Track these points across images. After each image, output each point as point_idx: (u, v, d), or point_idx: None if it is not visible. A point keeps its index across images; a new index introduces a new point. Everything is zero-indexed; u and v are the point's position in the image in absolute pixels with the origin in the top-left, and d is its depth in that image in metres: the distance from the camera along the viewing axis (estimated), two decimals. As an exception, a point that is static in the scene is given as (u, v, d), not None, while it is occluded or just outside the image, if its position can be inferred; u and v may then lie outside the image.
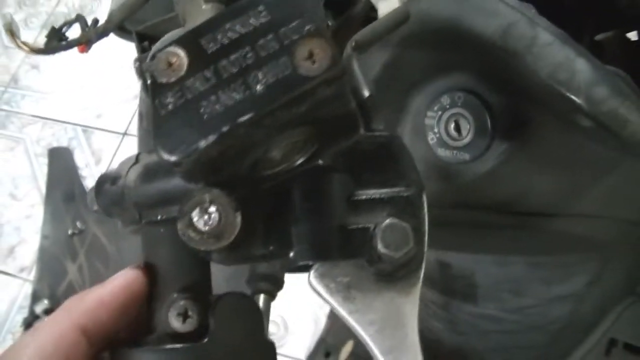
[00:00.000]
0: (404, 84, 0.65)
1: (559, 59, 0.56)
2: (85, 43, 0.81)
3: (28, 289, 2.29)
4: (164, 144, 0.29)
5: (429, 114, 0.65)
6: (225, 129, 0.28)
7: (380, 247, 0.33)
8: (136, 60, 0.37)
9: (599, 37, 0.91)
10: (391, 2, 0.47)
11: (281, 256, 0.34)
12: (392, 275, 0.35)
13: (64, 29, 0.86)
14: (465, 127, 0.64)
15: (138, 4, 0.71)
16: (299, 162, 0.33)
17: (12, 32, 0.83)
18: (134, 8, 0.72)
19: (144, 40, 0.71)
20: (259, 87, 0.28)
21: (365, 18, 0.59)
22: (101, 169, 2.43)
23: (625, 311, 0.98)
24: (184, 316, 0.33)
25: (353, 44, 0.40)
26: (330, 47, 0.28)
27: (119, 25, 0.77)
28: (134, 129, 2.51)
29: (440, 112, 0.65)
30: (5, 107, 2.74)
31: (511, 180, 0.67)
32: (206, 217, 0.30)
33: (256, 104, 0.28)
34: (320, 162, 0.34)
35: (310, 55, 0.28)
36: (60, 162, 2.54)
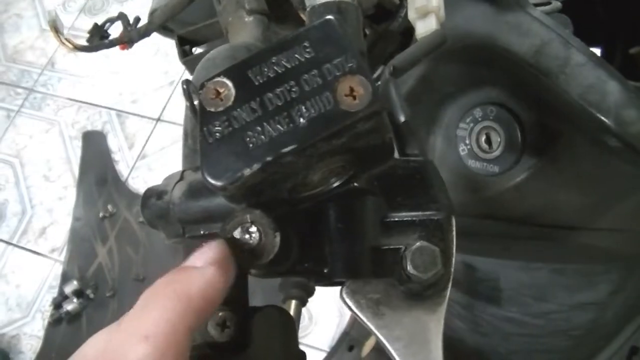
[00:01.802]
0: (437, 96, 0.67)
1: (591, 80, 0.57)
2: (127, 42, 0.83)
3: (58, 269, 2.32)
4: (210, 170, 0.31)
5: (461, 125, 0.66)
6: (269, 158, 0.30)
7: (409, 268, 0.35)
8: (184, 82, 0.39)
9: (632, 50, 0.91)
10: (429, 22, 0.48)
11: (316, 272, 0.36)
12: (420, 295, 0.36)
13: (106, 26, 0.88)
14: (496, 140, 0.65)
15: (180, 6, 0.73)
16: (335, 184, 0.35)
17: (56, 29, 0.84)
18: (176, 10, 0.74)
19: (186, 43, 0.73)
20: (302, 121, 0.30)
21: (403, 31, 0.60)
22: (134, 154, 2.47)
23: None
24: (222, 326, 0.35)
25: (391, 68, 0.41)
26: (370, 85, 0.30)
27: (161, 25, 0.78)
28: (167, 115, 2.53)
29: (472, 125, 0.66)
30: (41, 89, 2.78)
31: (538, 193, 0.68)
32: (247, 236, 0.32)
33: (299, 137, 0.30)
34: (356, 184, 0.36)
35: (351, 92, 0.30)
36: (94, 145, 2.57)
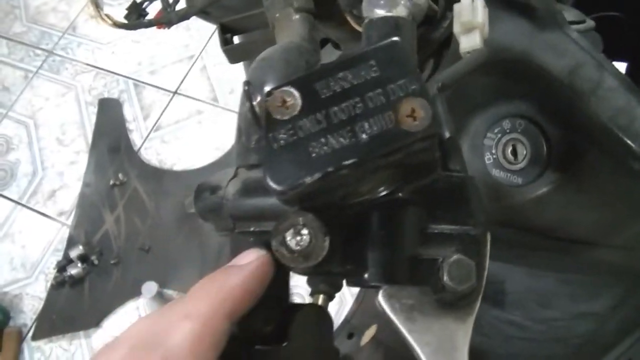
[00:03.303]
0: (467, 105, 0.69)
1: (621, 104, 0.59)
2: (165, 23, 0.84)
3: (64, 233, 2.35)
4: (273, 175, 0.33)
5: (489, 135, 0.68)
6: (330, 169, 0.32)
7: (445, 279, 0.36)
8: (245, 83, 0.40)
9: None
10: (473, 38, 0.50)
11: (356, 275, 0.38)
12: (451, 304, 0.38)
13: (144, 5, 0.89)
14: (522, 152, 0.67)
15: None
16: (381, 194, 0.37)
17: (96, 4, 0.85)
18: None
19: (227, 31, 0.74)
20: (364, 136, 0.32)
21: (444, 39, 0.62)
22: (148, 125, 2.50)
23: None
24: (266, 320, 0.37)
25: (439, 85, 0.43)
26: (430, 108, 0.32)
27: (202, 9, 0.80)
28: (184, 88, 2.55)
29: (499, 135, 0.68)
30: (61, 52, 2.80)
31: (558, 207, 0.70)
32: (298, 238, 0.34)
33: (360, 151, 0.32)
34: (400, 195, 0.37)
35: (412, 112, 0.32)
36: (110, 113, 2.59)
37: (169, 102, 2.57)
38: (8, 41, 2.92)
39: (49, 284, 2.26)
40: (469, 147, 0.70)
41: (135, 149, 2.49)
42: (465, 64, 0.47)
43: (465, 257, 0.37)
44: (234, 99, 2.48)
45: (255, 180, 0.40)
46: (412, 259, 0.38)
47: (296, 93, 0.34)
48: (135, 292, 2.10)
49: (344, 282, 0.42)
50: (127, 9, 0.88)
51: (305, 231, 0.34)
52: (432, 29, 0.57)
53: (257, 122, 0.40)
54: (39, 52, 2.84)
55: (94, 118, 2.60)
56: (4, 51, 2.89)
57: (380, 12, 0.42)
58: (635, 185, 0.64)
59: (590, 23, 0.75)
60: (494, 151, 0.68)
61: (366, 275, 0.38)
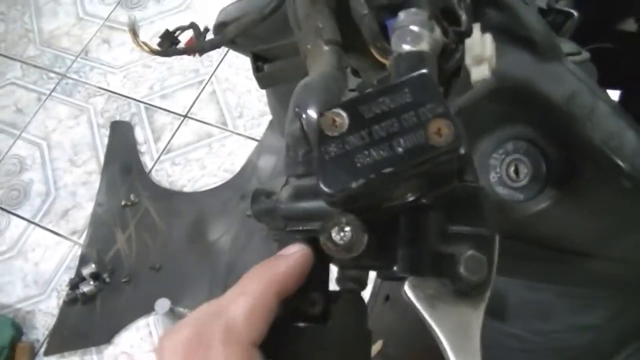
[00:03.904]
0: (475, 128, 0.75)
1: (613, 128, 0.66)
2: (198, 51, 0.91)
3: (77, 251, 2.42)
4: (325, 181, 0.40)
5: (494, 155, 0.75)
6: (372, 176, 0.39)
7: (462, 271, 0.43)
8: (294, 105, 0.48)
9: None
10: (483, 69, 0.57)
11: (386, 268, 0.45)
12: (466, 294, 0.45)
13: (176, 34, 0.95)
14: (524, 171, 0.73)
15: (253, 24, 0.81)
16: (409, 199, 0.44)
17: (134, 32, 0.92)
18: (249, 27, 0.81)
19: (258, 59, 0.81)
20: (400, 150, 0.39)
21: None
22: (159, 147, 2.57)
23: (637, 351, 1.06)
24: (312, 304, 0.44)
25: (456, 109, 0.50)
26: (454, 127, 0.39)
27: (232, 39, 0.87)
28: (194, 112, 2.63)
29: (503, 156, 0.74)
30: (74, 75, 2.89)
31: (557, 221, 0.76)
32: (342, 234, 0.41)
33: (397, 162, 0.39)
34: (424, 201, 0.45)
35: (439, 131, 0.39)
36: (121, 135, 2.66)
37: (180, 126, 2.64)
38: (22, 64, 3.01)
39: (61, 301, 2.33)
40: (476, 166, 0.77)
41: (147, 170, 2.55)
42: (476, 91, 0.55)
43: (478, 253, 0.44)
44: (243, 122, 2.56)
45: (304, 186, 0.47)
46: (433, 255, 0.45)
47: (344, 114, 0.41)
48: (146, 310, 2.16)
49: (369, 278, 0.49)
50: (160, 37, 0.94)
51: (347, 229, 0.41)
52: (445, 60, 0.64)
53: (305, 139, 0.47)
54: (52, 75, 2.93)
55: (106, 140, 2.67)
56: (18, 74, 2.98)
57: (407, 47, 0.50)
58: (625, 201, 0.70)
59: (585, 55, 0.82)
60: (498, 170, 0.75)
61: (395, 268, 0.45)
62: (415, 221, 0.45)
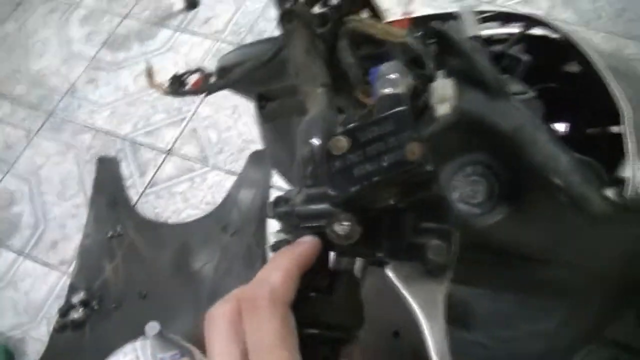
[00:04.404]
0: (441, 154, 0.88)
1: (550, 153, 0.79)
2: (205, 92, 1.05)
3: (66, 280, 2.51)
4: (332, 187, 0.55)
5: (456, 178, 0.88)
6: (366, 183, 0.54)
7: (430, 256, 0.58)
8: (301, 134, 0.63)
9: (589, 130, 1.14)
10: (445, 107, 0.73)
11: (373, 255, 0.60)
12: (433, 273, 0.60)
13: (184, 77, 1.09)
14: (480, 191, 0.86)
15: (254, 70, 0.95)
16: (391, 202, 0.59)
17: (150, 74, 1.05)
18: (250, 72, 0.96)
19: (262, 99, 0.96)
20: (385, 164, 0.54)
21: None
22: (144, 182, 2.69)
23: (589, 354, 1.17)
24: (322, 280, 0.59)
25: (425, 138, 0.66)
26: (424, 148, 0.54)
27: (235, 83, 1.00)
28: (177, 148, 2.75)
29: (464, 178, 0.87)
30: (61, 113, 3.00)
31: (509, 231, 0.89)
32: (342, 226, 0.56)
33: (383, 172, 0.54)
34: (402, 205, 0.60)
35: (413, 151, 0.54)
36: (107, 170, 2.77)
37: (163, 161, 2.75)
38: (11, 102, 3.10)
39: (51, 328, 2.40)
40: (442, 185, 0.92)
41: (132, 203, 2.65)
42: (440, 124, 0.70)
43: (441, 242, 0.59)
44: (223, 158, 2.68)
45: (313, 194, 0.61)
46: (408, 245, 0.60)
47: (345, 139, 0.56)
48: (134, 334, 2.23)
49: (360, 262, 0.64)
50: (169, 80, 1.07)
51: (346, 223, 0.56)
52: (417, 99, 0.80)
53: (312, 159, 0.63)
54: (40, 112, 3.03)
55: (92, 175, 2.77)
56: (6, 111, 3.08)
57: (388, 91, 0.65)
58: (564, 213, 0.82)
59: (531, 94, 0.95)
60: (459, 190, 0.87)
61: (380, 255, 0.60)
62: (395, 220, 0.60)
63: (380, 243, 0.60)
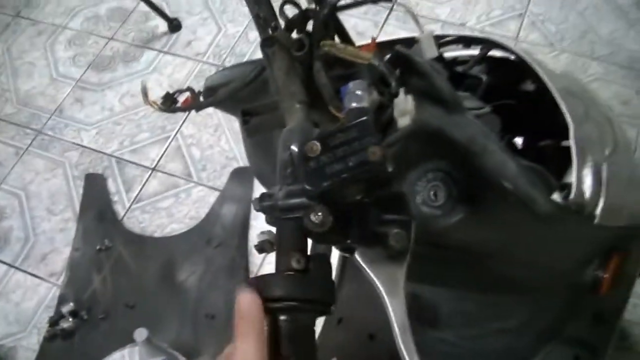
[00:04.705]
0: (405, 162, 0.97)
1: (499, 160, 0.89)
2: (194, 109, 1.15)
3: (56, 292, 2.59)
4: (308, 183, 0.66)
5: (419, 183, 0.97)
6: (336, 179, 0.65)
7: (391, 242, 0.70)
8: (284, 141, 0.75)
9: (541, 143, 1.25)
10: (405, 119, 0.84)
11: (344, 241, 0.72)
12: (394, 257, 0.72)
13: (175, 95, 1.19)
14: (440, 194, 0.95)
15: (238, 89, 1.06)
16: (357, 198, 0.71)
17: (145, 92, 1.15)
18: (235, 91, 1.06)
19: (246, 115, 1.06)
20: (351, 164, 0.65)
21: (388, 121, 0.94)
22: (130, 197, 2.78)
23: (552, 352, 1.22)
24: (298, 261, 0.70)
25: (387, 144, 0.77)
26: (383, 150, 0.65)
27: (221, 101, 1.11)
28: (162, 165, 2.85)
29: (425, 183, 0.97)
30: (49, 132, 3.08)
31: (467, 230, 0.98)
32: (317, 216, 0.67)
33: (349, 170, 0.65)
34: (367, 199, 0.71)
35: (374, 153, 0.65)
36: (95, 186, 2.86)
37: (148, 178, 2.85)
38: (0, 120, 3.17)
39: (41, 337, 2.47)
40: (406, 192, 1.02)
41: (119, 218, 2.74)
42: (401, 133, 0.82)
43: (401, 231, 0.71)
44: (206, 174, 2.78)
45: (292, 190, 0.72)
46: (373, 233, 0.72)
47: (318, 144, 0.68)
48: (122, 343, 2.31)
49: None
50: (162, 98, 1.17)
51: (320, 213, 0.67)
52: (382, 113, 0.91)
53: (291, 162, 0.74)
54: (29, 131, 3.10)
55: (80, 190, 2.85)
56: (-4, 130, 3.14)
57: (354, 104, 0.77)
58: (514, 213, 0.92)
59: (486, 109, 1.05)
60: (422, 194, 0.96)
61: (349, 241, 0.72)
62: (362, 211, 0.72)
63: (349, 231, 0.71)
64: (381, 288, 0.72)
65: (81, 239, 2.72)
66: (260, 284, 0.68)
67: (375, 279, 0.72)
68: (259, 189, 2.53)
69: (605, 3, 2.98)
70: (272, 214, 0.73)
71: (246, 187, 2.74)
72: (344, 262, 1.71)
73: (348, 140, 0.67)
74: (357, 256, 0.73)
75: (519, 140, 1.33)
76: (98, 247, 2.66)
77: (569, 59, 2.83)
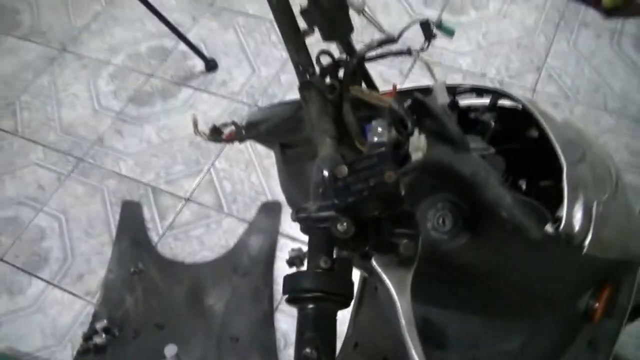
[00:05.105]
0: (417, 193, 1.11)
1: (498, 193, 1.03)
2: (239, 140, 1.31)
3: (90, 309, 2.75)
4: (337, 199, 0.82)
5: (429, 212, 1.10)
6: (359, 196, 0.80)
7: (401, 250, 0.85)
8: (317, 168, 0.92)
9: (542, 183, 1.38)
10: (418, 154, 1.00)
11: (362, 248, 0.87)
12: (404, 263, 0.87)
13: (221, 128, 1.34)
14: (448, 221, 1.09)
15: (278, 125, 1.22)
16: (375, 214, 0.86)
17: (195, 123, 1.30)
18: (276, 127, 1.22)
19: (284, 147, 1.22)
20: (371, 184, 0.81)
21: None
22: (164, 225, 2.95)
23: None
24: (325, 262, 0.85)
25: (402, 173, 0.94)
26: (397, 174, 0.81)
27: (262, 135, 1.27)
28: (195, 196, 3.02)
29: (435, 212, 1.10)
30: (90, 160, 3.26)
31: (470, 253, 1.10)
32: (342, 226, 0.82)
33: (370, 189, 0.80)
34: (383, 215, 0.87)
35: (389, 176, 0.81)
36: (131, 213, 3.03)
37: (182, 208, 3.01)
38: (44, 147, 3.36)
39: (75, 351, 2.62)
40: (419, 217, 1.17)
41: (153, 243, 2.90)
42: (412, 165, 0.98)
43: (410, 242, 0.87)
44: (236, 207, 2.95)
45: (323, 205, 0.88)
46: (387, 242, 0.87)
47: (345, 167, 0.83)
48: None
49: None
50: (209, 129, 1.32)
51: (345, 224, 0.82)
52: (399, 149, 1.07)
53: (323, 183, 0.91)
54: (70, 158, 3.28)
55: (117, 216, 3.02)
56: (40, 156, 3.34)
57: (375, 139, 0.93)
58: (509, 238, 1.04)
59: (491, 150, 1.17)
60: (432, 221, 1.10)
61: (367, 249, 0.88)
62: (378, 225, 0.88)
63: (367, 240, 0.87)
64: (392, 288, 0.87)
65: (116, 261, 2.87)
66: (294, 279, 0.83)
67: (387, 280, 0.87)
68: (286, 222, 2.72)
69: (619, 59, 3.15)
70: (306, 224, 0.89)
71: (274, 220, 2.88)
72: (362, 292, 1.86)
73: (370, 166, 0.83)
74: (373, 260, 0.88)
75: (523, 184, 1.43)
76: (132, 270, 2.81)
77: (583, 111, 2.98)
